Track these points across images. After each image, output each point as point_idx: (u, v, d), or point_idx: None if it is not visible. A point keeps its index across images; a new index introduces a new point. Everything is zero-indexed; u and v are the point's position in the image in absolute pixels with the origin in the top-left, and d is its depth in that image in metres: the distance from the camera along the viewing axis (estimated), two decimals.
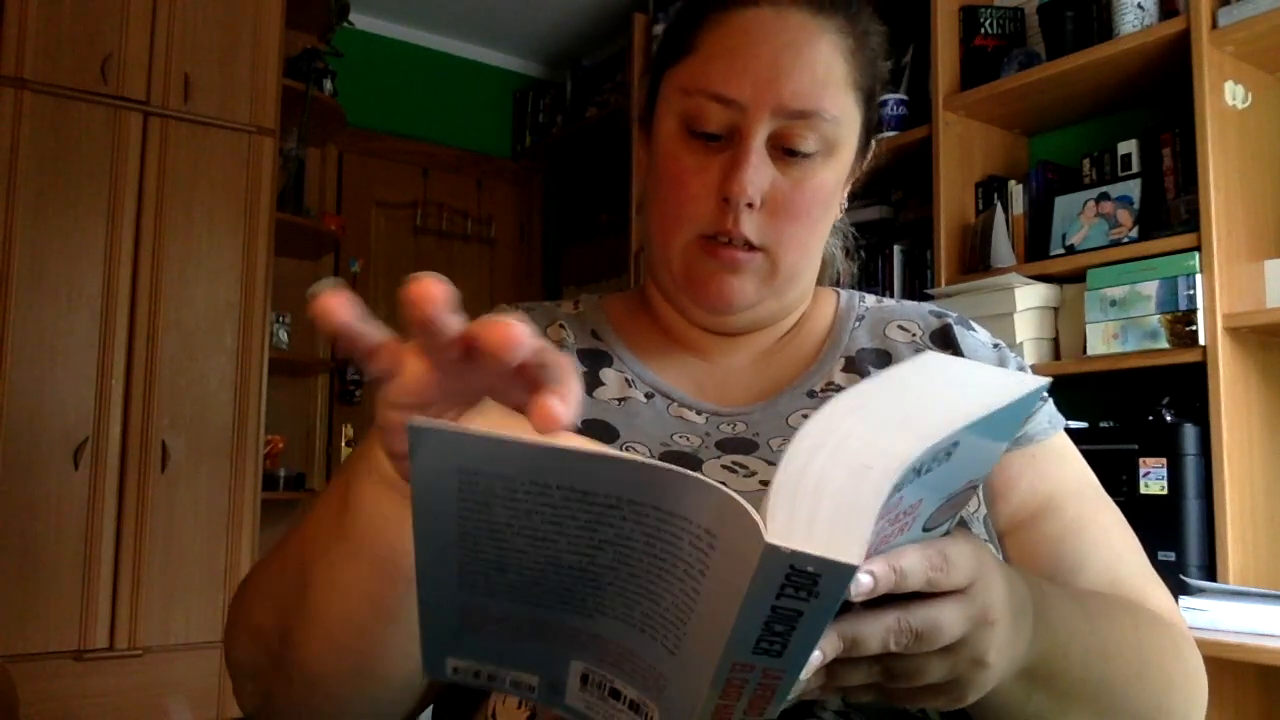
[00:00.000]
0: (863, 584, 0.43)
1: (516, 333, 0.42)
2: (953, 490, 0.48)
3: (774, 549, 0.39)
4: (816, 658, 0.45)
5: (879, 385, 0.46)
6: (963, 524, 0.69)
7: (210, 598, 2.64)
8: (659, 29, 3.30)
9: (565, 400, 0.43)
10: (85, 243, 2.55)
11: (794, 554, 0.39)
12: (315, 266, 3.62)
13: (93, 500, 2.51)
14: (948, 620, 0.46)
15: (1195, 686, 0.67)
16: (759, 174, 0.72)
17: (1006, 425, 0.47)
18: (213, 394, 2.69)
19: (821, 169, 0.74)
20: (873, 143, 0.81)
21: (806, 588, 0.40)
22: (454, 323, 0.43)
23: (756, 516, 0.39)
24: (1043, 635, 0.53)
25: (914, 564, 0.45)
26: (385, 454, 0.51)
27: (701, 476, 0.40)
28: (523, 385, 0.44)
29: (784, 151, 0.73)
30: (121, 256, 2.60)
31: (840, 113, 0.73)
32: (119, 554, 2.53)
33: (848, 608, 0.44)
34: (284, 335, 3.30)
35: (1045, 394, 0.79)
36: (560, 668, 0.50)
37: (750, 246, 0.73)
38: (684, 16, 0.77)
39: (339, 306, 0.44)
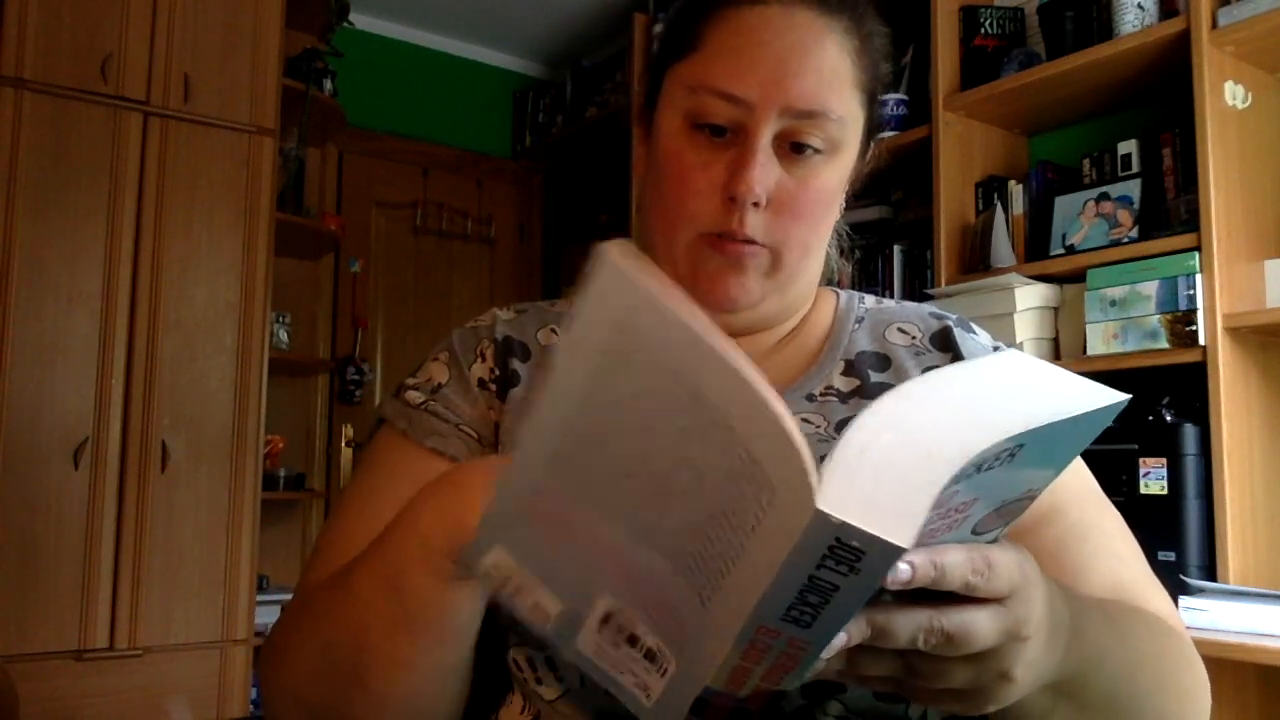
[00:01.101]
0: (900, 572, 0.43)
1: None
2: (1008, 497, 0.47)
3: (823, 516, 0.38)
4: (841, 639, 0.44)
5: (957, 374, 0.46)
6: None
7: (210, 598, 2.64)
8: (659, 28, 3.29)
9: None
10: (85, 243, 2.55)
11: (843, 525, 0.39)
12: (315, 266, 3.62)
13: (93, 500, 2.50)
14: (981, 628, 0.46)
15: (1202, 692, 0.68)
16: (765, 173, 0.71)
17: (1075, 437, 0.47)
18: (213, 394, 2.69)
19: (825, 168, 0.74)
20: (872, 144, 0.81)
21: (849, 562, 0.40)
22: None
23: (814, 479, 0.39)
24: (1075, 653, 0.53)
25: (956, 563, 0.44)
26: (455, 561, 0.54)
27: (790, 426, 0.40)
28: None
29: (790, 149, 0.73)
30: (121, 256, 2.59)
31: (845, 113, 0.73)
32: (119, 554, 2.53)
33: (881, 596, 0.44)
34: (284, 335, 3.30)
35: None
36: (588, 597, 0.50)
37: (754, 242, 0.73)
38: (689, 11, 0.77)
39: None
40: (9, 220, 2.46)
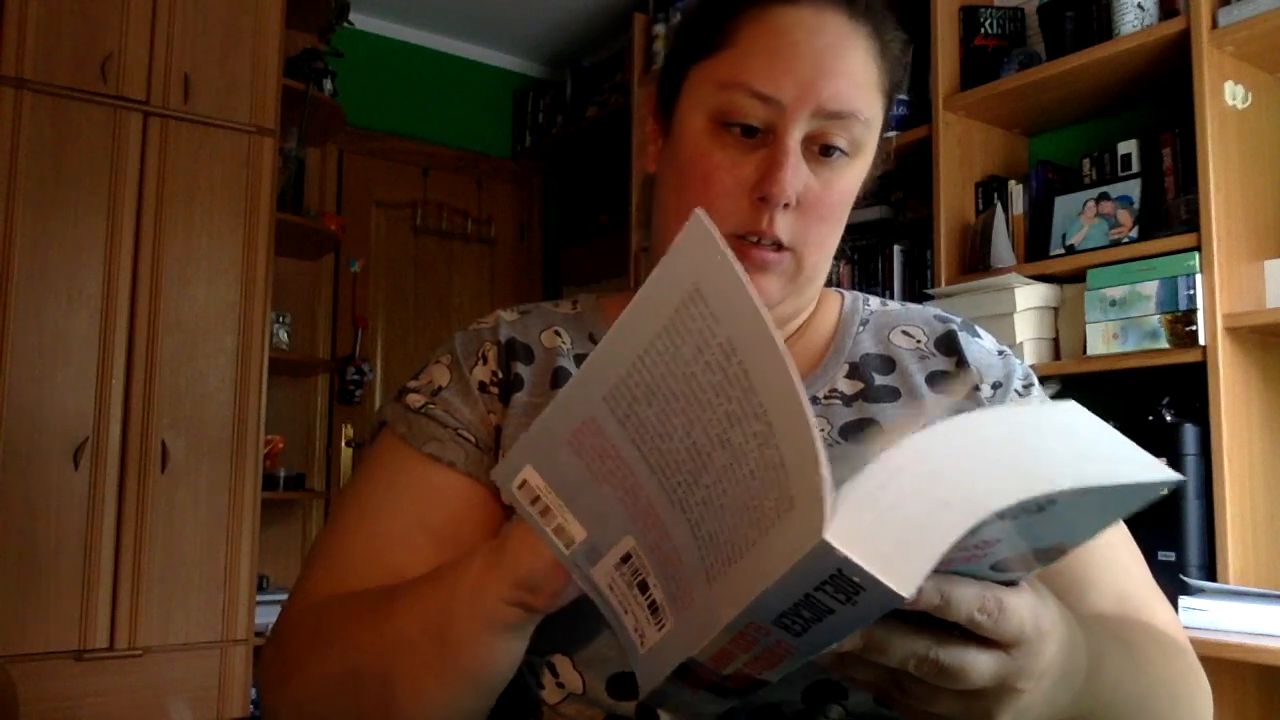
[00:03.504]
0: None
1: None
2: (1039, 545, 0.46)
3: (828, 546, 0.38)
4: (831, 646, 0.44)
5: (998, 416, 0.45)
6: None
7: (210, 598, 2.64)
8: (659, 29, 3.29)
9: None
10: (85, 242, 2.55)
11: (845, 560, 0.38)
12: (315, 266, 3.62)
13: (93, 500, 2.50)
14: (976, 668, 0.45)
15: (1207, 711, 0.68)
16: (797, 175, 0.71)
17: (1117, 505, 0.45)
18: (213, 394, 2.69)
19: (848, 170, 0.74)
20: (884, 146, 0.81)
21: (846, 593, 0.39)
22: None
23: (828, 506, 0.39)
24: (1087, 694, 0.53)
25: (965, 596, 0.43)
26: (513, 603, 0.55)
27: (819, 446, 0.39)
28: None
29: (818, 151, 0.73)
30: (121, 256, 2.59)
31: (872, 115, 0.74)
32: (119, 554, 2.53)
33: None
34: (284, 335, 3.30)
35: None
36: (614, 533, 0.50)
37: (779, 247, 0.73)
38: (717, 8, 0.76)
39: None
40: (9, 220, 2.46)
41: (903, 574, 0.39)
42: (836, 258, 0.91)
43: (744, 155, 0.72)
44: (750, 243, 0.73)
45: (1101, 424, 0.46)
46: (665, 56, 0.83)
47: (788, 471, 0.41)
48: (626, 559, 0.50)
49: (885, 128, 0.79)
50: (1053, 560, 0.48)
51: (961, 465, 0.41)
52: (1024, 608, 0.46)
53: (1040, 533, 0.44)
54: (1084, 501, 0.43)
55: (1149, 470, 0.43)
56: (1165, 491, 0.44)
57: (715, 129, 0.73)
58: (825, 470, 0.39)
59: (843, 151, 0.73)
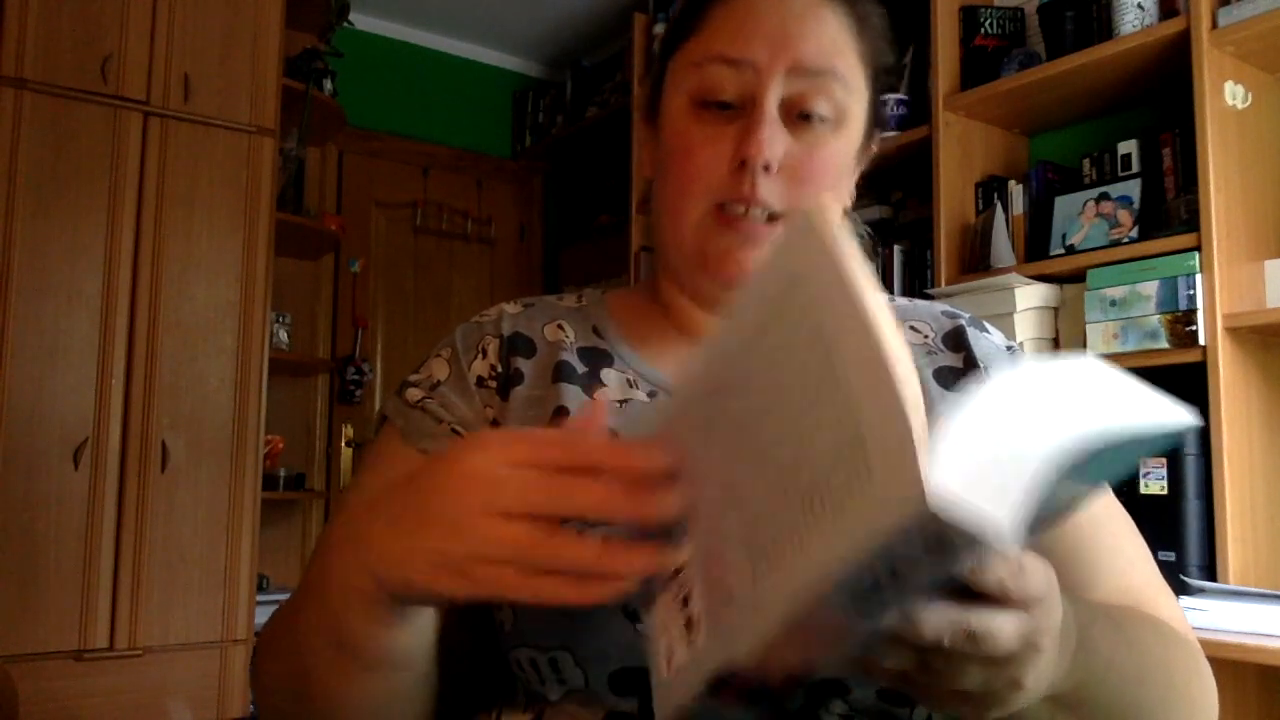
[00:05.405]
0: None
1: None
2: (1055, 508, 0.46)
3: (924, 496, 0.36)
4: (886, 621, 0.44)
5: (1038, 373, 0.44)
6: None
7: (210, 598, 2.64)
8: (659, 29, 3.29)
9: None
10: (85, 243, 2.55)
11: (945, 503, 0.36)
12: (315, 266, 3.62)
13: (93, 500, 2.50)
14: (1005, 631, 0.45)
15: (1210, 702, 0.67)
16: (775, 137, 0.71)
17: (1140, 451, 0.45)
18: (213, 394, 2.69)
19: (833, 138, 0.74)
20: (877, 133, 0.80)
21: (938, 543, 0.38)
22: None
23: (923, 457, 0.37)
24: (1080, 664, 0.53)
25: (995, 562, 0.44)
26: (402, 595, 0.52)
27: (907, 404, 0.37)
28: None
29: (796, 117, 0.73)
30: (121, 256, 2.59)
31: (851, 79, 0.74)
32: (119, 554, 2.53)
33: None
34: (284, 335, 3.29)
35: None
36: (680, 544, 0.49)
37: (770, 219, 0.72)
38: (690, 2, 0.78)
39: None
40: (9, 220, 2.45)
41: (999, 508, 0.38)
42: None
43: (722, 128, 0.73)
44: (738, 214, 0.72)
45: (1120, 374, 0.47)
46: (649, 59, 0.85)
47: (867, 443, 0.39)
48: (678, 572, 0.48)
49: (878, 112, 0.79)
50: (1053, 527, 0.49)
51: (1028, 417, 0.41)
52: (1039, 567, 0.47)
53: (1063, 491, 0.44)
54: (1118, 450, 0.43)
55: (1172, 414, 0.44)
56: (1180, 433, 0.45)
57: (694, 109, 0.74)
58: (914, 421, 0.37)
59: (824, 118, 0.73)
